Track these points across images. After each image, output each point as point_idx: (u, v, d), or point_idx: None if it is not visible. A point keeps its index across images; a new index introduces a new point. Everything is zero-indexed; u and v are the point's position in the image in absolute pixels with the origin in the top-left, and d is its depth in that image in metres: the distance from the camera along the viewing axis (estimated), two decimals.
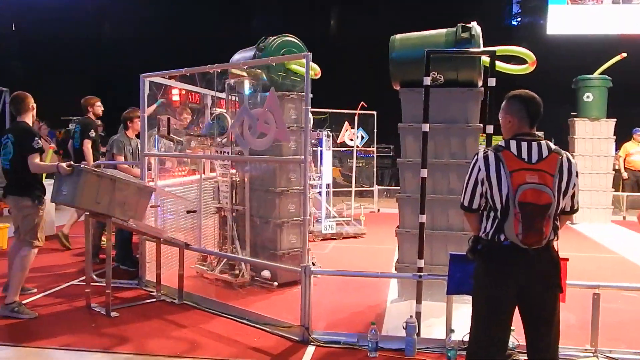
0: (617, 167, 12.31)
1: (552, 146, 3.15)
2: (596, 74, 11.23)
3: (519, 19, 20.44)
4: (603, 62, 11.33)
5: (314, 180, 9.03)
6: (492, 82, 4.39)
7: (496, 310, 3.16)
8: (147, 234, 5.79)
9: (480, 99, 5.47)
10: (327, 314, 5.23)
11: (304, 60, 4.75)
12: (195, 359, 4.32)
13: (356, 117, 11.07)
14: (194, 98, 8.03)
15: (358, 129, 11.61)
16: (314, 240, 8.95)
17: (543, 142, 3.14)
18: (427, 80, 4.49)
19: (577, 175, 3.17)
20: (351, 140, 11.59)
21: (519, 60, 5.52)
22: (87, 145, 7.62)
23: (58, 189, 5.19)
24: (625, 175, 12.54)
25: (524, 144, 3.11)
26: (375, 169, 13.60)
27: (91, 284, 5.66)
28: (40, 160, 5.38)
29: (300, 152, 6.04)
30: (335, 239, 9.30)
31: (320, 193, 9.64)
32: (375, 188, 13.28)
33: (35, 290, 5.95)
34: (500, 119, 3.32)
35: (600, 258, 8.10)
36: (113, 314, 5.23)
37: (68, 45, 19.70)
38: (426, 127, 4.55)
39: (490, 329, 3.19)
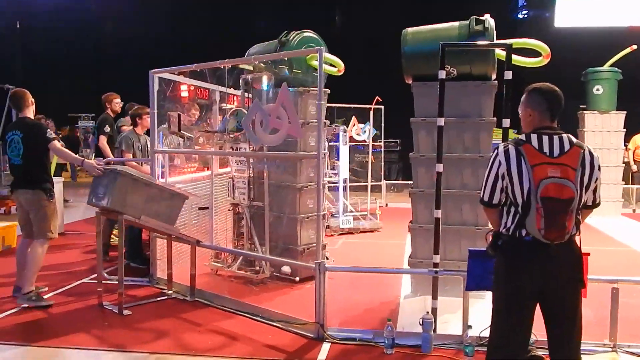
0: (626, 159, 12.22)
1: (574, 139, 3.09)
2: (606, 67, 11.14)
3: (526, 12, 20.28)
4: (611, 55, 11.24)
5: (330, 176, 9.05)
6: (508, 75, 4.33)
7: (518, 307, 3.10)
8: (158, 231, 5.74)
9: (494, 92, 5.42)
10: (340, 311, 5.19)
11: (328, 56, 4.70)
12: (211, 357, 4.29)
13: (371, 112, 11.04)
14: (202, 94, 7.98)
15: (366, 123, 11.55)
16: (332, 235, 8.99)
17: (564, 135, 3.09)
18: (443, 74, 4.43)
19: (599, 169, 3.12)
20: (358, 134, 11.52)
21: (533, 53, 5.46)
22: (103, 141, 7.61)
23: (94, 191, 5.20)
24: (634, 167, 12.46)
25: (545, 138, 3.05)
26: (382, 164, 13.53)
27: (102, 282, 5.64)
28: (48, 158, 5.44)
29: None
30: (352, 233, 9.32)
31: (337, 188, 9.69)
32: (383, 182, 13.22)
33: (47, 288, 5.93)
34: (520, 112, 3.26)
35: (613, 251, 8.04)
36: (125, 312, 5.20)
37: (73, 42, 19.70)
38: (441, 121, 4.49)
39: (512, 325, 3.13)
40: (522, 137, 3.13)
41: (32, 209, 5.42)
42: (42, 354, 4.39)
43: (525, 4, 20.26)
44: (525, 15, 19.99)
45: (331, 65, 6.41)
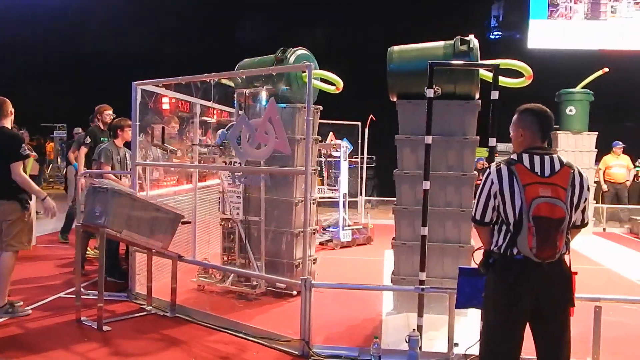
0: (596, 179, 12.50)
1: (564, 160, 3.16)
2: (578, 88, 11.41)
3: (497, 33, 20.68)
4: (583, 77, 11.52)
5: (327, 192, 9.16)
6: (495, 95, 4.40)
7: (508, 325, 3.14)
8: (139, 245, 5.66)
9: (478, 111, 5.50)
10: (323, 327, 5.15)
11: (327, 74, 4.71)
12: None
13: (366, 130, 11.13)
14: (184, 107, 7.94)
15: (343, 139, 11.60)
16: (334, 249, 9.36)
17: (555, 155, 3.15)
18: (431, 93, 4.49)
19: (588, 189, 3.18)
20: (336, 150, 11.55)
21: (514, 73, 5.57)
22: (82, 152, 7.50)
23: (91, 210, 5.13)
24: (605, 187, 12.73)
25: (537, 158, 3.11)
26: (360, 180, 13.57)
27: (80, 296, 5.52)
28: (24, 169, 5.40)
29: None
30: (350, 246, 9.58)
31: (337, 203, 10.07)
32: (360, 198, 13.25)
33: (22, 303, 5.76)
34: (511, 132, 3.32)
35: (588, 270, 8.17)
36: (105, 328, 5.09)
37: (50, 51, 19.41)
38: (429, 139, 4.54)
39: (502, 343, 3.16)
40: (514, 156, 3.19)
41: (6, 220, 5.30)
42: None
43: (496, 25, 20.69)
44: (497, 36, 20.39)
45: (329, 83, 6.49)
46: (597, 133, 11.44)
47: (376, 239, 10.04)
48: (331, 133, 11.63)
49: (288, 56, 6.18)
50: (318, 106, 6.39)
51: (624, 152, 12.79)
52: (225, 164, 6.12)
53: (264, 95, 5.98)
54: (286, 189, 6.21)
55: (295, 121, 6.08)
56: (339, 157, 11.53)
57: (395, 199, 5.75)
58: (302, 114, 6.12)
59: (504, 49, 16.74)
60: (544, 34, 17.59)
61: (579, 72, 12.11)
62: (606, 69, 11.06)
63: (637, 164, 13.90)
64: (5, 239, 5.30)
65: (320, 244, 9.30)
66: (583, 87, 11.41)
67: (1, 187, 5.26)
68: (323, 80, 6.43)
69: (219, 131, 6.25)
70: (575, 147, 11.46)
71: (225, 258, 6.49)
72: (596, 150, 11.57)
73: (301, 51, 6.45)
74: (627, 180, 12.84)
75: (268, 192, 6.16)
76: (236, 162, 5.88)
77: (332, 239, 9.60)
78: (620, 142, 12.72)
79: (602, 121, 12.11)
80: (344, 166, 10.24)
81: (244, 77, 5.74)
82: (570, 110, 11.36)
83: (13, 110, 5.47)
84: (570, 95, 11.43)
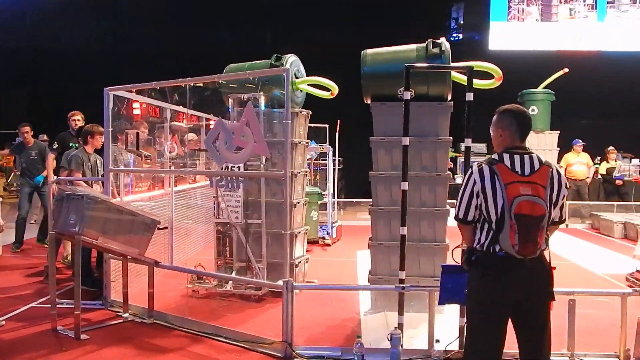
0: None
1: (543, 159, 3.26)
2: (540, 88, 11.70)
3: (458, 35, 21.01)
4: (544, 77, 11.82)
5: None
6: (470, 96, 4.50)
7: (492, 320, 3.22)
8: (115, 252, 5.59)
9: (450, 112, 5.61)
10: (303, 328, 5.18)
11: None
12: None
13: (337, 134, 11.24)
14: (154, 112, 7.87)
15: (310, 141, 11.64)
16: (325, 248, 9.72)
17: (534, 154, 3.25)
18: (407, 95, 4.57)
19: (566, 187, 3.30)
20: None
21: (485, 75, 5.70)
22: (50, 159, 7.40)
23: (66, 217, 5.05)
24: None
25: (517, 157, 3.20)
26: (333, 181, 13.63)
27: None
28: None
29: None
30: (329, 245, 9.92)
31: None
32: (330, 200, 13.30)
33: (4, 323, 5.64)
34: (491, 132, 3.41)
35: (555, 265, 8.38)
36: (83, 336, 5.02)
37: (9, 56, 18.91)
38: (406, 140, 4.62)
39: (487, 338, 3.25)
40: (495, 156, 3.28)
41: None
42: None
43: (456, 26, 21.02)
44: (456, 38, 20.71)
45: (323, 89, 6.60)
46: (558, 132, 11.75)
47: (346, 239, 10.14)
48: None
49: (284, 63, 6.28)
50: (307, 111, 6.60)
51: (583, 150, 13.16)
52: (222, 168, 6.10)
53: (262, 100, 6.08)
54: (282, 192, 6.22)
55: (293, 125, 6.20)
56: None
57: (363, 200, 5.86)
58: (299, 118, 6.38)
59: (466, 51, 17.05)
60: (504, 35, 17.99)
61: (539, 72, 12.42)
62: (566, 70, 11.38)
63: (596, 161, 14.33)
64: None
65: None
66: (544, 87, 11.71)
67: None
68: (316, 86, 6.51)
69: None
70: (537, 145, 11.72)
71: (220, 262, 6.50)
72: (558, 148, 11.88)
73: (293, 58, 6.59)
74: (588, 177, 13.20)
75: (266, 195, 6.26)
76: (233, 168, 5.94)
77: (324, 237, 9.94)
78: (580, 140, 13.09)
79: (562, 120, 12.45)
80: (331, 169, 10.60)
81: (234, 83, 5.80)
82: (533, 110, 11.62)
83: None
84: (532, 95, 11.72)
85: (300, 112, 6.48)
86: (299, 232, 6.53)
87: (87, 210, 4.99)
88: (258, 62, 6.54)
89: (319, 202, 10.08)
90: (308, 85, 6.55)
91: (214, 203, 6.36)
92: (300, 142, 6.53)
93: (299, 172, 6.54)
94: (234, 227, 6.27)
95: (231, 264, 6.42)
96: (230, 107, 6.25)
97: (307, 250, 7.15)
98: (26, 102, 19.35)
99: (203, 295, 6.33)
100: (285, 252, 4.76)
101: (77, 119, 7.66)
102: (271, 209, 6.28)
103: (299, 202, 6.55)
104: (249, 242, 6.17)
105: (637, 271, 6.98)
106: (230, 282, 6.25)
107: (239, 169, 5.81)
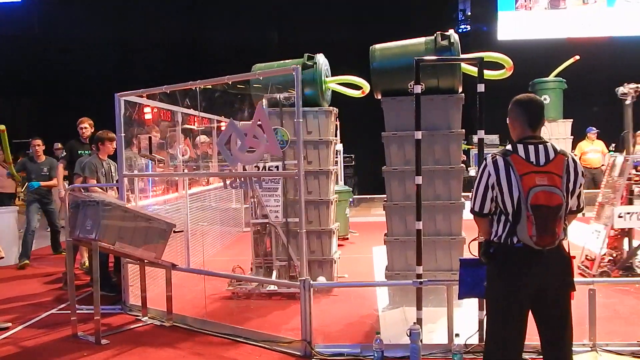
0: None
1: (558, 148, 3.22)
2: (551, 77, 11.62)
3: (466, 26, 20.89)
4: (554, 66, 11.74)
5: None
6: (481, 87, 4.47)
7: (513, 312, 3.19)
8: (132, 257, 5.62)
9: (461, 104, 5.58)
10: (321, 326, 5.17)
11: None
12: None
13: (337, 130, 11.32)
14: (166, 115, 7.91)
15: None
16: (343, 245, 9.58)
17: (549, 144, 3.22)
18: (418, 89, 4.55)
19: (582, 175, 3.26)
20: None
21: (495, 66, 5.66)
22: (59, 168, 7.43)
23: (82, 224, 5.09)
24: None
25: (531, 147, 3.17)
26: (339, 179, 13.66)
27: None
28: None
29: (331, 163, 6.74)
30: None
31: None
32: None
33: (10, 324, 5.70)
34: (508, 123, 3.39)
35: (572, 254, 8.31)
36: (103, 341, 5.06)
37: (21, 66, 19.08)
38: (419, 134, 4.60)
39: (508, 331, 3.22)
40: (509, 147, 3.25)
41: None
42: None
43: (463, 18, 20.89)
44: (464, 29, 20.59)
45: (354, 87, 6.65)
46: (571, 120, 11.67)
47: (361, 236, 10.11)
48: None
49: (317, 62, 6.40)
50: (334, 108, 6.68)
51: (597, 138, 13.03)
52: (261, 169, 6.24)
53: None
54: (323, 189, 6.56)
55: (325, 124, 6.44)
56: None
57: (377, 195, 5.86)
58: (330, 117, 6.57)
59: (474, 43, 16.97)
60: (513, 25, 17.85)
61: (550, 61, 12.33)
62: (577, 57, 11.29)
63: (610, 148, 14.17)
64: None
65: None
66: (556, 76, 11.62)
67: None
68: (345, 84, 6.64)
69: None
70: (551, 134, 11.66)
71: (260, 262, 6.54)
72: (572, 137, 11.79)
73: (323, 58, 6.73)
74: (603, 165, 13.06)
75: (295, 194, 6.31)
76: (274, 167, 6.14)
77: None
78: (594, 128, 12.95)
79: (575, 108, 12.35)
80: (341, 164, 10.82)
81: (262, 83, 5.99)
82: (545, 99, 11.55)
83: None
84: (543, 84, 11.65)
85: (332, 111, 6.62)
86: (334, 230, 6.70)
87: (104, 216, 5.01)
88: (287, 61, 6.65)
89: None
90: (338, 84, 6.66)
91: (252, 204, 6.39)
92: (332, 140, 6.71)
93: (333, 170, 6.73)
94: (273, 226, 6.31)
95: (270, 264, 6.45)
96: (264, 106, 6.31)
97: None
98: (37, 111, 19.49)
99: (243, 297, 6.35)
100: (301, 249, 4.74)
101: (85, 127, 7.67)
102: (309, 207, 6.47)
103: (333, 199, 6.68)
104: (289, 242, 6.30)
105: (587, 258, 6.90)
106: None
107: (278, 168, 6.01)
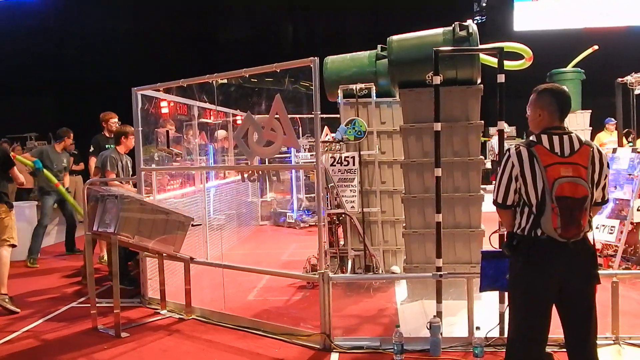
0: None
1: (583, 138, 3.17)
2: (569, 67, 11.46)
3: (482, 17, 20.69)
4: (572, 56, 11.57)
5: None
6: (501, 78, 4.41)
7: (537, 306, 3.15)
8: (151, 250, 5.64)
9: (480, 95, 5.51)
10: (340, 319, 5.16)
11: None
12: None
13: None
14: (182, 109, 7.92)
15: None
16: None
17: (573, 134, 3.16)
18: (437, 80, 4.50)
19: (608, 166, 3.20)
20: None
21: (514, 56, 5.60)
22: (91, 162, 7.51)
23: (101, 217, 5.14)
24: None
25: (556, 138, 3.12)
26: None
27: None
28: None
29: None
30: None
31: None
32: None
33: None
34: (528, 112, 3.32)
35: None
36: (123, 334, 5.08)
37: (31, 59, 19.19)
38: (438, 126, 4.55)
39: (531, 324, 3.17)
40: (533, 138, 3.20)
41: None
42: None
43: (479, 9, 20.70)
44: (480, 20, 20.40)
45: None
46: (590, 111, 11.51)
47: None
48: (326, 127, 11.61)
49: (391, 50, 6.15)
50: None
51: (616, 129, 12.85)
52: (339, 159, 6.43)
53: (373, 90, 6.43)
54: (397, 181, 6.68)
55: (398, 114, 6.21)
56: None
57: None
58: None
59: (490, 33, 16.81)
60: (529, 15, 17.68)
61: (567, 52, 12.16)
62: (596, 47, 11.13)
63: (629, 139, 13.99)
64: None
65: None
66: (574, 66, 11.47)
67: None
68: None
69: (339, 127, 6.40)
70: (569, 126, 11.42)
71: (333, 252, 6.55)
72: (590, 128, 11.63)
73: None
74: None
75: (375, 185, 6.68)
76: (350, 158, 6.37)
77: None
78: (613, 119, 12.76)
79: (593, 99, 12.18)
80: None
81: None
82: None
83: None
84: (561, 75, 11.46)
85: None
86: (397, 220, 6.73)
87: (122, 210, 5.02)
88: (359, 53, 6.79)
89: None
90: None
91: (327, 194, 6.39)
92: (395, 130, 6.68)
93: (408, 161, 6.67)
94: (349, 216, 6.34)
95: (345, 254, 6.46)
96: (339, 98, 6.51)
97: None
98: (54, 107, 19.61)
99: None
100: (320, 242, 4.73)
101: (115, 121, 7.73)
102: (383, 197, 6.67)
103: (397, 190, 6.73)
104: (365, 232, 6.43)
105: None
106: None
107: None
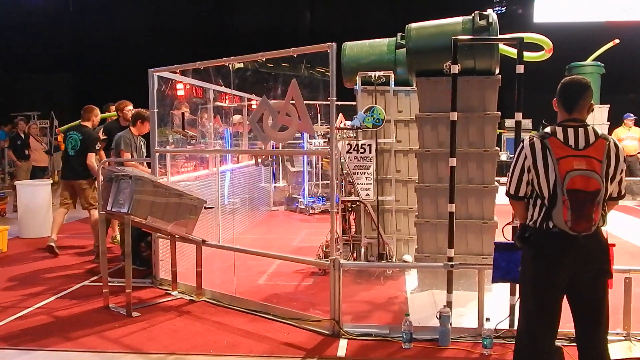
0: None
1: (599, 132, 3.13)
2: (589, 61, 11.34)
3: (502, 8, 20.46)
4: (591, 49, 11.45)
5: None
6: (520, 69, 4.37)
7: (547, 298, 3.13)
8: (163, 232, 5.68)
9: (498, 86, 5.46)
10: (350, 305, 5.17)
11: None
12: (230, 356, 4.26)
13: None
14: (197, 92, 7.93)
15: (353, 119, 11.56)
16: None
17: (590, 127, 3.12)
18: (455, 69, 4.47)
19: (624, 161, 3.17)
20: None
21: (534, 47, 5.53)
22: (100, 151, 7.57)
23: (115, 198, 5.17)
24: None
25: (571, 130, 3.09)
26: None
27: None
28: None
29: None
30: None
31: None
32: None
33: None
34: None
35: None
36: (134, 313, 5.14)
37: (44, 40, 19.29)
38: (454, 115, 4.52)
39: (541, 317, 3.16)
40: (548, 130, 3.17)
41: (81, 191, 7.38)
42: (59, 358, 4.30)
43: (498, 0, 20.46)
44: (500, 11, 20.16)
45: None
46: (609, 105, 11.39)
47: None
48: (341, 115, 11.58)
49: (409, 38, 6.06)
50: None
51: (635, 124, 12.72)
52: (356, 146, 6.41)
53: (392, 78, 6.45)
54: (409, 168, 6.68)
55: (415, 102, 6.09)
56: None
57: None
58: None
59: (510, 25, 16.62)
60: (549, 7, 17.45)
61: (587, 45, 12.03)
62: (617, 41, 10.99)
63: None
64: (86, 204, 7.39)
65: None
66: (593, 60, 11.34)
67: (78, 169, 7.35)
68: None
69: (358, 114, 6.40)
70: (587, 120, 11.38)
71: (347, 239, 6.54)
72: (608, 123, 11.52)
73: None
74: (639, 153, 12.78)
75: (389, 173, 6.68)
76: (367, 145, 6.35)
77: None
78: (632, 114, 12.63)
79: (612, 93, 12.06)
80: None
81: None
82: None
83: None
84: (581, 69, 11.37)
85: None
86: (412, 209, 6.59)
87: (136, 191, 5.05)
88: (378, 40, 6.81)
89: None
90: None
91: (342, 181, 6.39)
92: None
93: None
94: (363, 204, 6.33)
95: (357, 241, 6.47)
96: (357, 85, 6.50)
97: None
98: (69, 87, 19.74)
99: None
100: (332, 229, 4.73)
101: (130, 109, 7.71)
102: (397, 186, 6.65)
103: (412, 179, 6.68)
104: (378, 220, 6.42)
105: None
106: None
107: None
